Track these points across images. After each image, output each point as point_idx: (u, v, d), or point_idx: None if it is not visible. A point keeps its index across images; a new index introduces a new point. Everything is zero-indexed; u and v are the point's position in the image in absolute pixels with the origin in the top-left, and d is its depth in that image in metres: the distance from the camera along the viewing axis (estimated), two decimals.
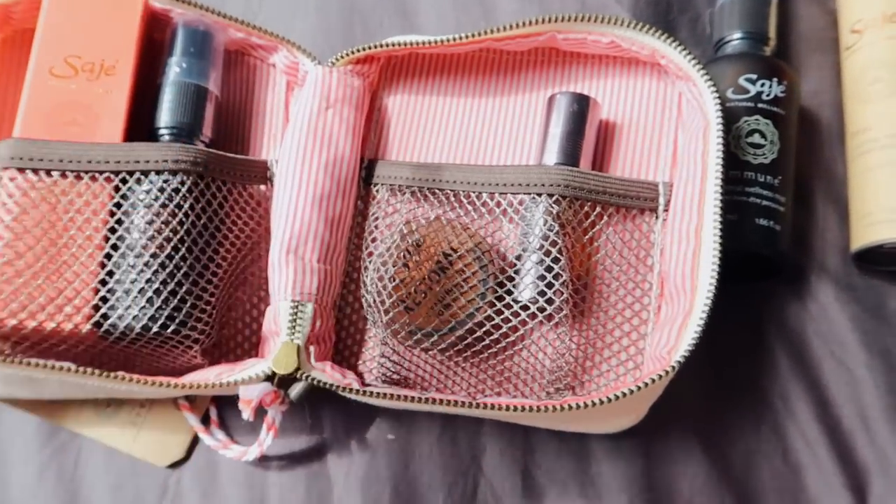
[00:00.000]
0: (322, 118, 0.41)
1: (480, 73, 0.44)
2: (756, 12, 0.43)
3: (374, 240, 0.41)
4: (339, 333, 0.41)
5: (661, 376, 0.32)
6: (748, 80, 0.41)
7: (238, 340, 0.41)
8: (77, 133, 0.38)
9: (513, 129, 0.42)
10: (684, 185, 0.37)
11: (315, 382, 0.36)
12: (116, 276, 0.37)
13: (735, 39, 0.43)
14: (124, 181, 0.38)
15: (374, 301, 0.38)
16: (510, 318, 0.37)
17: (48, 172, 0.37)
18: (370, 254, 0.40)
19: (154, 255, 0.37)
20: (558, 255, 0.37)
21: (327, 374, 0.37)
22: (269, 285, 0.40)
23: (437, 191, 0.41)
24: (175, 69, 0.40)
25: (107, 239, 0.37)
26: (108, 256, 0.37)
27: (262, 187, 0.42)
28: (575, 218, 0.38)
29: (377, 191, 0.42)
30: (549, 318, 0.37)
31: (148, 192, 0.38)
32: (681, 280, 0.35)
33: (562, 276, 0.36)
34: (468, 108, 0.43)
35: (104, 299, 0.37)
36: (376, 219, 0.42)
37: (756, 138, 0.40)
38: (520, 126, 0.42)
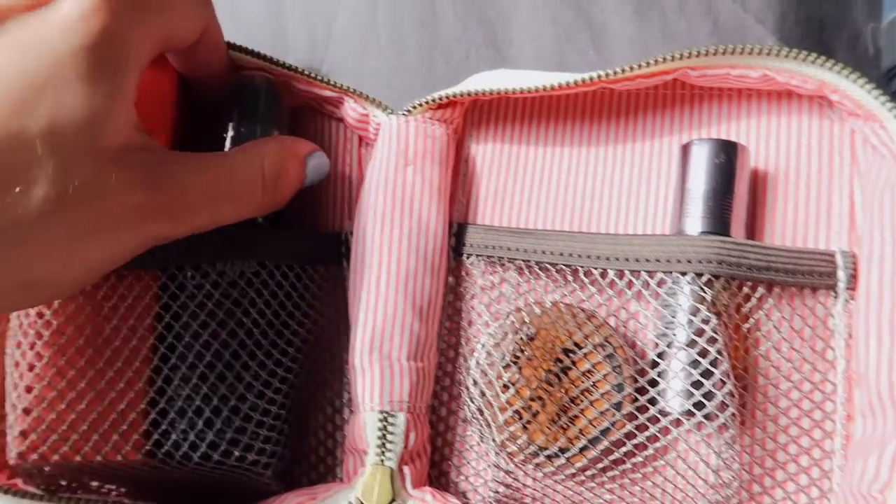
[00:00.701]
0: (401, 178, 0.34)
1: (591, 115, 0.36)
2: None
3: (470, 322, 0.34)
4: (435, 441, 0.34)
5: None
6: None
7: (320, 454, 0.35)
8: None
9: (634, 185, 0.34)
10: (879, 256, 0.28)
11: None
12: (168, 394, 0.30)
13: None
14: (173, 277, 0.31)
15: (483, 413, 0.31)
16: (658, 435, 0.29)
17: None
18: (472, 351, 0.33)
19: (210, 366, 0.30)
20: (718, 356, 0.29)
21: None
22: (351, 390, 0.33)
23: (548, 266, 0.33)
24: (228, 135, 0.33)
25: (155, 348, 0.31)
26: (158, 370, 0.31)
27: (337, 266, 0.35)
28: (731, 302, 0.30)
29: (471, 263, 0.35)
30: (709, 435, 0.30)
31: (199, 287, 0.31)
32: (886, 388, 0.27)
33: (725, 383, 0.28)
34: (579, 159, 0.35)
35: (155, 423, 0.30)
36: (472, 297, 0.35)
37: None
38: (642, 182, 0.34)
